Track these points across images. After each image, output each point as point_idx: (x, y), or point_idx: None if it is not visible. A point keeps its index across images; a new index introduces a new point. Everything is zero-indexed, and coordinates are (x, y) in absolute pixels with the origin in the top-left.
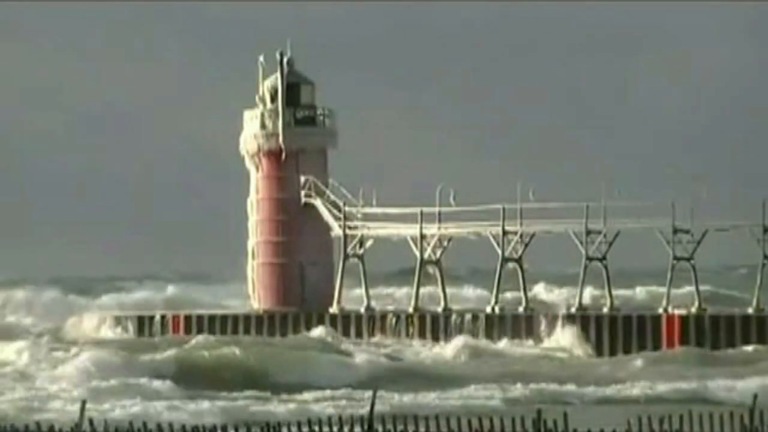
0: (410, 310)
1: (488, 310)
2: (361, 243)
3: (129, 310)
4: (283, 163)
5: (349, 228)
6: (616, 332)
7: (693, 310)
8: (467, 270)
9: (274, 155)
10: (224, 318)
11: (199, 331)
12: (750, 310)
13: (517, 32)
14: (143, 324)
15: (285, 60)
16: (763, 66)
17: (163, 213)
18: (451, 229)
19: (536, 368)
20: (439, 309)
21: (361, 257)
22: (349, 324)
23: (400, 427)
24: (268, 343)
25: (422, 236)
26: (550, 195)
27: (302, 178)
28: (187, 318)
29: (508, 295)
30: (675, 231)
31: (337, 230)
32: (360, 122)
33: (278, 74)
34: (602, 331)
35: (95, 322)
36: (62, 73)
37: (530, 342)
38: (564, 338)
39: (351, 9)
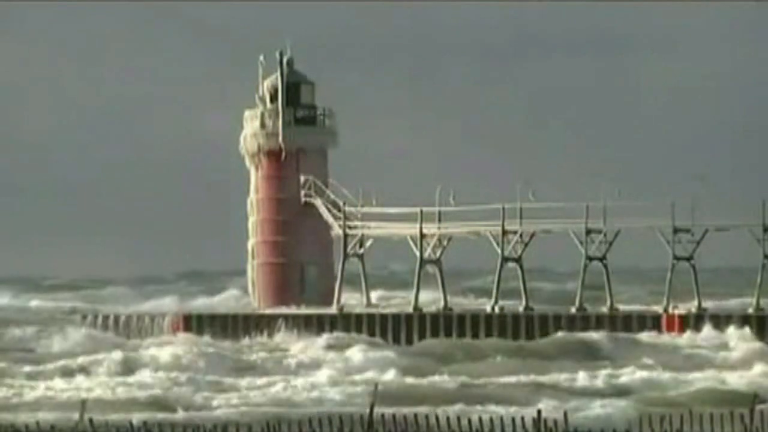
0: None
1: (488, 309)
2: (361, 243)
3: None
4: (283, 162)
5: (349, 228)
6: None
7: (693, 309)
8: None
9: (274, 155)
10: (224, 318)
11: (199, 331)
12: (750, 311)
13: (518, 32)
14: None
15: (285, 60)
16: (763, 66)
17: (162, 212)
18: (451, 228)
19: None
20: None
21: (361, 257)
22: (349, 324)
23: (400, 427)
24: None
25: (422, 236)
26: (550, 195)
27: (302, 178)
28: (187, 318)
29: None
30: (675, 231)
31: (337, 230)
32: (360, 122)
33: (278, 74)
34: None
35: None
36: (62, 73)
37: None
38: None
39: (351, 9)
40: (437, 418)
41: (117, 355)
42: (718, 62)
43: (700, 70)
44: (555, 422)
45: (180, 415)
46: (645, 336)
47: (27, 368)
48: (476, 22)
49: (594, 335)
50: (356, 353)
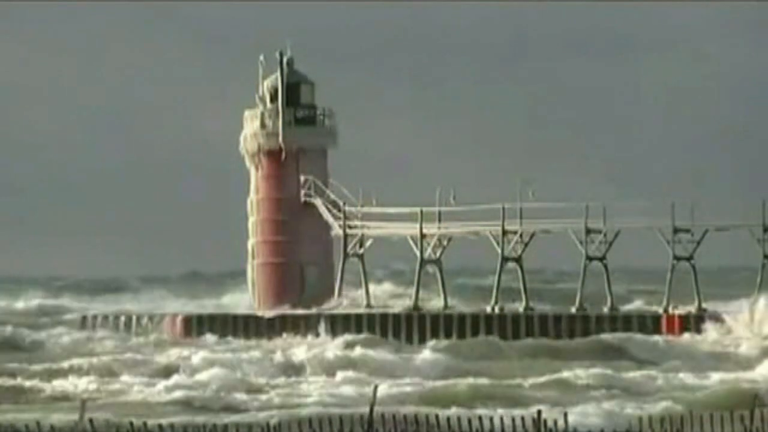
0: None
1: (488, 309)
2: (361, 243)
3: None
4: (283, 162)
5: (349, 227)
6: None
7: (693, 310)
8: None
9: (274, 155)
10: (224, 318)
11: (199, 331)
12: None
13: (519, 32)
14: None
15: (285, 60)
16: (763, 66)
17: (161, 212)
18: (451, 228)
19: None
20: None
21: (361, 257)
22: (349, 324)
23: (400, 427)
24: None
25: (422, 236)
26: (550, 195)
27: (302, 178)
28: (186, 319)
29: None
30: (675, 231)
31: (337, 230)
32: (360, 122)
33: (278, 74)
34: None
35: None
36: (62, 73)
37: None
38: None
39: (351, 9)
40: (437, 418)
41: (143, 356)
42: (718, 62)
43: (700, 70)
44: (555, 422)
45: (217, 417)
46: (671, 338)
47: (47, 368)
48: (476, 22)
49: (620, 336)
50: (386, 354)
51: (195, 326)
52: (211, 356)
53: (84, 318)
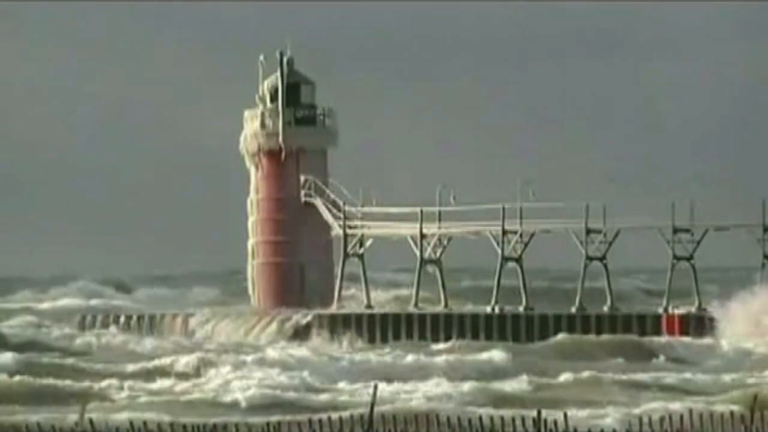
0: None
1: (488, 310)
2: (361, 242)
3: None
4: (283, 162)
5: (349, 227)
6: None
7: (693, 309)
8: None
9: (274, 155)
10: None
11: (200, 332)
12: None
13: (519, 32)
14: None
15: (285, 60)
16: (763, 66)
17: (162, 212)
18: (451, 228)
19: None
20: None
21: (361, 257)
22: (349, 324)
23: (400, 427)
24: None
25: (422, 236)
26: (550, 195)
27: (302, 178)
28: (187, 318)
29: None
30: (675, 231)
31: (337, 230)
32: (360, 122)
33: (278, 74)
34: None
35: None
36: (61, 73)
37: None
38: None
39: (352, 9)
40: (437, 418)
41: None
42: (718, 62)
43: (700, 70)
44: (555, 422)
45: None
46: (697, 339)
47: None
48: (476, 23)
49: (648, 337)
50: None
51: (197, 326)
52: (233, 358)
53: (83, 317)
